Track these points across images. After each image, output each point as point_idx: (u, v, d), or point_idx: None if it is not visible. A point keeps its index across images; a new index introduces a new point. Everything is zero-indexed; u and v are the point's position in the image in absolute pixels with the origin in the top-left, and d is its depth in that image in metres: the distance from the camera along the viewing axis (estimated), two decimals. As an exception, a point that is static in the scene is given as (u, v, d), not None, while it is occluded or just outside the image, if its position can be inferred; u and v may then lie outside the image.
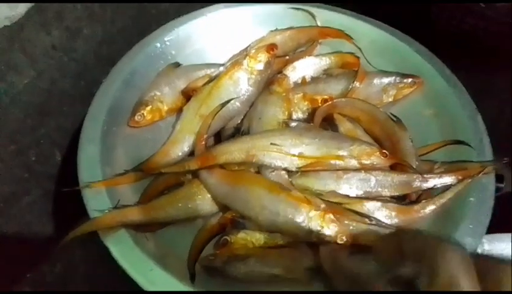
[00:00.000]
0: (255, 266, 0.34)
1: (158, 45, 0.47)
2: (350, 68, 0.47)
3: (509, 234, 0.39)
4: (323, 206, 0.35)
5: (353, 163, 0.38)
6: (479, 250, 0.36)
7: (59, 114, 0.45)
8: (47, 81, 0.42)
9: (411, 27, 0.50)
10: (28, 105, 0.41)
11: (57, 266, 0.45)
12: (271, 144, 0.37)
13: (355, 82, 0.44)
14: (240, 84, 0.43)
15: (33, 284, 0.44)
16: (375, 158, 0.38)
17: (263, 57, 0.43)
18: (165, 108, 0.44)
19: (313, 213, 0.34)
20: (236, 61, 0.44)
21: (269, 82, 0.45)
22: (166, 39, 0.48)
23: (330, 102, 0.43)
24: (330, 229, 0.34)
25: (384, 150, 0.38)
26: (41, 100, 0.42)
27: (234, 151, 0.38)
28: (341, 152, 0.38)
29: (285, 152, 0.37)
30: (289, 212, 0.35)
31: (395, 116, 0.43)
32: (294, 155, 0.37)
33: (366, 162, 0.38)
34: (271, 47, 0.44)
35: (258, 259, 0.34)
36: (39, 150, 0.43)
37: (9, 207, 0.42)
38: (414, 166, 0.39)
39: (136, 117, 0.42)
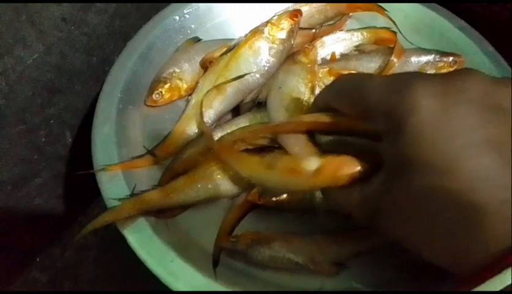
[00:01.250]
0: (279, 251, 0.33)
1: (177, 18, 0.45)
2: (384, 45, 0.44)
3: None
4: None
5: None
6: None
7: (70, 92, 0.42)
8: (56, 57, 0.40)
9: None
10: (37, 82, 0.38)
11: (68, 250, 0.45)
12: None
13: (393, 58, 0.41)
14: (261, 54, 0.40)
15: (43, 268, 0.44)
16: None
17: (286, 24, 0.40)
18: (184, 86, 0.42)
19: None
20: (256, 29, 0.41)
21: (295, 52, 0.42)
22: (185, 12, 0.45)
23: None
24: None
25: None
26: (50, 76, 0.39)
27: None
28: None
29: None
30: None
31: None
32: None
33: None
34: (295, 13, 0.40)
35: (283, 244, 0.33)
36: (49, 131, 0.41)
37: (18, 189, 0.40)
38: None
39: (154, 96, 0.40)
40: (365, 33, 0.44)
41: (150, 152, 0.36)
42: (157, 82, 0.41)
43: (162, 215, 0.33)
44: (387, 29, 0.44)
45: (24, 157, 0.39)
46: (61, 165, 0.44)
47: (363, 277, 0.33)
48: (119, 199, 0.31)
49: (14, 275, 0.43)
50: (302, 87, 0.39)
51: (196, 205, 0.35)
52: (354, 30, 0.45)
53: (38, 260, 0.44)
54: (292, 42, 0.41)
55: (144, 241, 0.30)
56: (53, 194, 0.44)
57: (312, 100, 0.38)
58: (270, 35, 0.40)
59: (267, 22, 0.40)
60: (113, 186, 0.32)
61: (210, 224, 0.35)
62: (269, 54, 0.40)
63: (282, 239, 0.33)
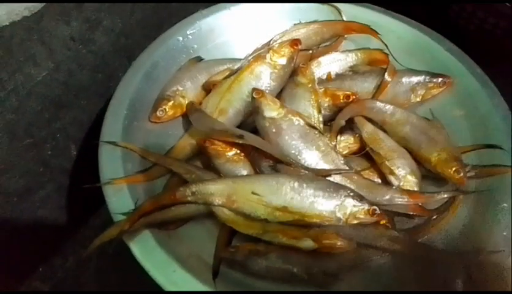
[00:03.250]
0: (276, 262, 0.33)
1: (180, 38, 0.46)
2: (377, 66, 0.46)
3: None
4: None
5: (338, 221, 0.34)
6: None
7: (76, 108, 0.44)
8: (64, 74, 0.41)
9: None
10: (45, 98, 0.40)
11: (69, 261, 0.45)
12: (252, 193, 0.34)
13: (386, 78, 0.42)
14: (262, 79, 0.42)
15: (45, 278, 0.44)
16: (363, 216, 0.34)
17: (287, 51, 0.42)
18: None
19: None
20: (258, 55, 0.43)
21: (293, 73, 0.43)
22: (188, 32, 0.47)
23: (358, 102, 0.41)
24: None
25: (374, 207, 0.34)
26: (58, 92, 0.41)
27: (213, 194, 0.34)
28: (325, 210, 0.34)
29: (266, 204, 0.34)
30: None
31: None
32: (275, 208, 0.34)
33: (353, 221, 0.34)
34: (295, 42, 0.43)
35: (280, 255, 0.34)
36: (55, 144, 0.42)
37: (23, 201, 0.41)
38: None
39: (157, 113, 0.42)
40: (359, 54, 0.46)
41: (152, 166, 0.37)
42: (160, 99, 0.42)
43: (165, 227, 0.34)
44: (380, 50, 0.46)
45: (30, 169, 0.40)
46: (65, 178, 0.45)
47: (356, 289, 0.34)
48: (124, 214, 0.32)
49: (16, 284, 0.44)
50: (310, 108, 0.40)
51: (197, 218, 0.36)
52: (349, 51, 0.47)
53: (40, 269, 0.45)
54: (292, 67, 0.43)
55: (148, 252, 0.31)
56: (56, 205, 0.45)
57: (320, 118, 0.40)
58: (271, 61, 0.42)
59: (269, 48, 0.42)
60: (119, 199, 0.34)
61: (210, 236, 0.36)
62: (270, 79, 0.42)
63: (278, 251, 0.34)
